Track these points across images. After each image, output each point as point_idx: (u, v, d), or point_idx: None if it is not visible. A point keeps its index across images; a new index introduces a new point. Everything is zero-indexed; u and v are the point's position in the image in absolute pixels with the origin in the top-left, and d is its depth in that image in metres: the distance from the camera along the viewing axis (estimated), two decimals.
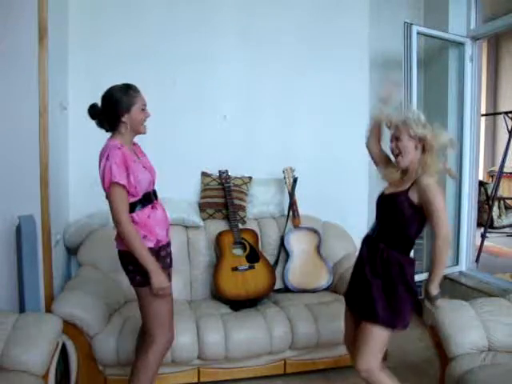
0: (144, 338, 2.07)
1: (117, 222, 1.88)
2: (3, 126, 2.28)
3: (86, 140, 3.12)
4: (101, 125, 1.98)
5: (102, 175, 1.86)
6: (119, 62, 3.12)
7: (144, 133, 2.00)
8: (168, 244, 2.09)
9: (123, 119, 1.92)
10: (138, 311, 2.07)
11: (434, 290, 1.84)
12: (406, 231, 1.90)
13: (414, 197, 1.85)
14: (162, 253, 2.02)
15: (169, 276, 2.05)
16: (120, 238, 1.94)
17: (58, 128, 2.81)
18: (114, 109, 1.91)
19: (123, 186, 1.86)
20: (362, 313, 1.96)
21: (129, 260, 1.94)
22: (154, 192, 2.07)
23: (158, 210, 2.02)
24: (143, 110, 1.96)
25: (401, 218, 1.88)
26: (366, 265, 1.96)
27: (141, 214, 1.95)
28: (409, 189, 1.87)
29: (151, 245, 1.95)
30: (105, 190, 1.88)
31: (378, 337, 1.89)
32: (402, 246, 1.92)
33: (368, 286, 1.93)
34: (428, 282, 1.87)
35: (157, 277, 1.89)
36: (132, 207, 1.93)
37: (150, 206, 1.99)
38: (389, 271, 1.89)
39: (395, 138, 1.90)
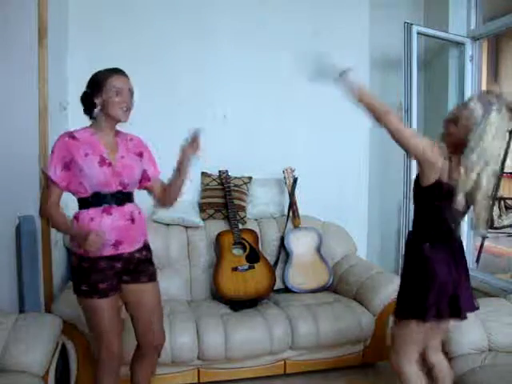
0: None
1: (39, 211, 1.87)
2: (3, 126, 2.27)
3: None
4: (84, 111, 1.87)
5: None
6: (119, 63, 3.07)
7: (122, 120, 1.81)
8: (118, 257, 1.83)
9: (96, 100, 1.78)
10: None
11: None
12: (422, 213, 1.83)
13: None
14: (101, 264, 1.79)
15: (114, 290, 1.84)
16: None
17: (58, 128, 2.80)
18: (89, 90, 1.80)
19: (49, 178, 1.75)
20: None
21: (70, 264, 1.91)
22: (115, 195, 1.81)
23: (110, 215, 1.79)
24: (118, 93, 1.77)
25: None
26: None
27: (84, 214, 1.78)
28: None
29: (82, 251, 1.76)
30: None
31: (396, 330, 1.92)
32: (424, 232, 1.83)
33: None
34: None
35: (80, 240, 1.72)
36: (82, 203, 1.80)
37: (100, 208, 1.78)
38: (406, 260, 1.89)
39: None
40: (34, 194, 2.39)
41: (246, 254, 2.98)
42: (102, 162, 1.79)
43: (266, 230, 3.26)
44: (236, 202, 3.18)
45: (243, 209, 3.23)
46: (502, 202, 6.60)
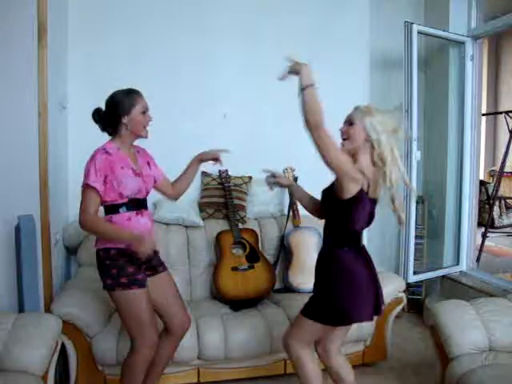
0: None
1: (80, 222, 1.93)
2: (2, 126, 2.27)
3: (85, 139, 3.10)
4: (104, 128, 2.05)
5: (84, 173, 1.94)
6: (119, 62, 3.12)
7: (145, 137, 2.05)
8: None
9: (123, 120, 1.97)
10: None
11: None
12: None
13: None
14: (135, 258, 1.97)
15: (144, 280, 2.01)
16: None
17: (58, 127, 2.81)
18: (115, 110, 1.97)
19: (95, 189, 1.91)
20: None
21: (99, 262, 1.99)
22: (143, 201, 2.07)
23: (142, 217, 2.04)
24: (144, 113, 2.00)
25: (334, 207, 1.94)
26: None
27: (120, 216, 1.98)
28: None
29: (122, 246, 1.96)
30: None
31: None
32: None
33: None
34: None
35: (137, 243, 1.91)
36: (115, 208, 1.98)
37: (134, 211, 2.01)
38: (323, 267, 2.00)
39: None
40: (33, 193, 2.39)
41: (245, 254, 2.98)
42: (134, 173, 2.01)
43: (266, 229, 3.26)
44: (236, 201, 3.17)
45: (243, 208, 3.22)
46: (503, 202, 6.59)
